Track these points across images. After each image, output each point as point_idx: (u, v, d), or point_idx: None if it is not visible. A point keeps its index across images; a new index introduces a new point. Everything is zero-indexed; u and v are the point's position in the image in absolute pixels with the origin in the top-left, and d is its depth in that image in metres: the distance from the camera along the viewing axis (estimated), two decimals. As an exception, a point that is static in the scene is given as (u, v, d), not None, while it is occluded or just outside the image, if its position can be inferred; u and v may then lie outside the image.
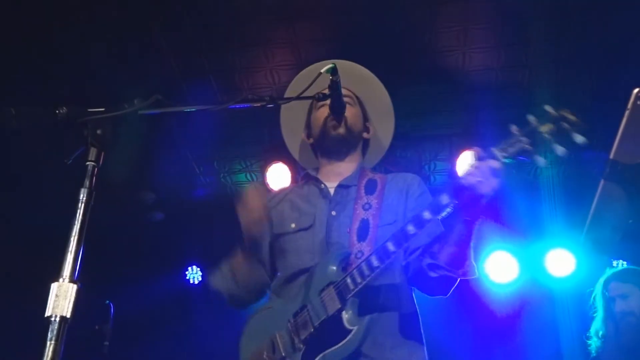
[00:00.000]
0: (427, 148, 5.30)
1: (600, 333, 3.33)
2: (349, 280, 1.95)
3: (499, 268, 5.47)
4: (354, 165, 2.42)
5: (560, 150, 1.72)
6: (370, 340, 1.98)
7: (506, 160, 1.81)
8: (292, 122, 2.65)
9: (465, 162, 5.03)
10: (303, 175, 2.50)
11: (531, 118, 1.78)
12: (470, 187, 1.81)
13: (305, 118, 2.56)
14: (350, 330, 1.90)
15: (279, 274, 2.26)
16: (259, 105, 1.99)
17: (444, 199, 1.88)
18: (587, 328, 3.46)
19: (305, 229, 2.21)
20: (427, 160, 5.39)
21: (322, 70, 2.06)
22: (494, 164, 1.81)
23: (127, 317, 4.69)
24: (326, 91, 2.13)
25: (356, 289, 1.92)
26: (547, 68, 4.52)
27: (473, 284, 5.49)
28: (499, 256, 5.50)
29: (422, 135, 5.12)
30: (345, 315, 1.93)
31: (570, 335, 5.03)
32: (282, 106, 2.65)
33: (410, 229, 1.90)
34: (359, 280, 1.93)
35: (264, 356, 2.05)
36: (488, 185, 1.80)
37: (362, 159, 2.51)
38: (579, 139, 1.70)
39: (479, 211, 1.88)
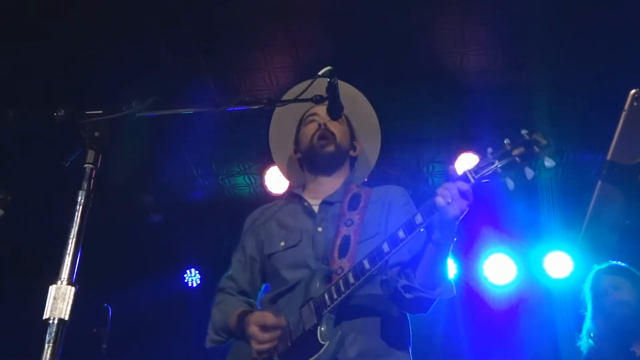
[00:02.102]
0: (425, 150, 5.31)
1: (593, 333, 3.30)
2: (326, 296, 1.97)
3: (497, 270, 5.48)
4: (340, 181, 2.43)
5: (529, 173, 1.75)
6: (353, 351, 1.97)
7: (476, 182, 1.83)
8: (281, 138, 2.66)
9: (463, 165, 5.04)
10: (287, 194, 2.51)
11: (506, 141, 1.79)
12: (440, 209, 1.82)
13: (294, 134, 2.57)
14: (322, 345, 1.92)
15: (270, 290, 2.28)
16: (256, 107, 2.00)
17: (418, 218, 1.90)
18: (580, 332, 3.44)
19: (294, 246, 2.23)
20: (425, 162, 5.39)
21: (319, 73, 2.06)
22: (463, 186, 1.82)
23: (125, 320, 4.70)
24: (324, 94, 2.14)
25: (332, 305, 1.95)
26: (544, 70, 4.53)
27: (472, 286, 5.50)
28: (498, 258, 5.51)
29: (420, 138, 5.13)
30: (319, 330, 1.95)
31: (567, 335, 5.04)
32: (272, 123, 2.67)
33: (385, 247, 1.92)
34: (335, 296, 1.95)
35: None
36: (457, 207, 1.80)
37: (350, 174, 2.51)
38: (549, 163, 1.73)
39: (451, 233, 1.88)
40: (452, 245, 1.91)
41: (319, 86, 2.08)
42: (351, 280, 1.94)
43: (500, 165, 1.78)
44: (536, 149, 1.74)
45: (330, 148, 2.37)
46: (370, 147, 2.63)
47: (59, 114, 1.50)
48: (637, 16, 3.92)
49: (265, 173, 5.17)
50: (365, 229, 2.15)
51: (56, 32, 3.95)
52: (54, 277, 1.39)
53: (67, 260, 1.41)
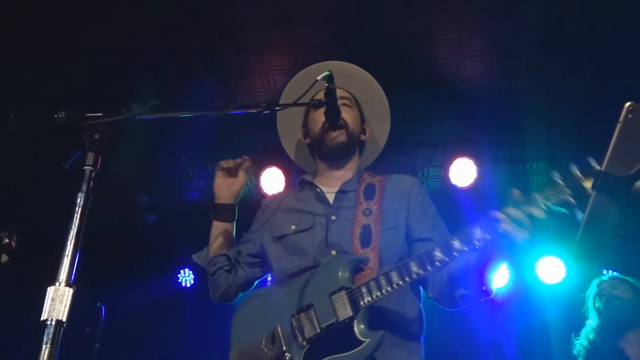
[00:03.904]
0: (421, 154, 5.33)
1: (591, 335, 3.38)
2: (364, 289, 1.92)
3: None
4: (352, 168, 2.42)
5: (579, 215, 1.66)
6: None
7: (548, 209, 1.76)
8: (288, 120, 2.63)
9: (459, 169, 5.06)
10: (299, 181, 2.49)
11: (575, 170, 1.71)
12: (506, 232, 1.77)
13: (302, 117, 2.55)
14: (362, 342, 1.88)
15: (282, 269, 2.25)
16: (255, 111, 2.01)
17: (477, 233, 1.83)
18: (577, 334, 3.51)
19: (306, 230, 2.22)
20: (420, 166, 5.41)
21: (318, 78, 2.07)
22: (537, 212, 1.75)
23: (119, 320, 4.69)
24: (322, 97, 2.15)
25: (372, 301, 1.90)
26: (540, 76, 4.56)
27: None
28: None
29: (416, 141, 5.16)
30: (356, 325, 1.90)
31: (560, 342, 5.06)
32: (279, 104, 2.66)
33: (438, 255, 1.87)
34: (376, 292, 1.90)
35: (262, 346, 2.03)
36: (525, 232, 1.76)
37: (360, 161, 2.51)
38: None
39: (509, 253, 1.85)
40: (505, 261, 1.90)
41: (319, 85, 2.10)
42: (395, 279, 1.89)
43: (571, 195, 1.70)
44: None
45: (343, 138, 2.34)
46: (379, 129, 2.61)
47: (60, 116, 1.51)
48: (633, 25, 3.96)
49: (261, 174, 5.17)
50: (384, 219, 2.12)
51: (53, 35, 3.95)
52: (52, 279, 1.39)
53: (66, 262, 1.42)
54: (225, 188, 2.52)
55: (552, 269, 5.39)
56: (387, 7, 3.97)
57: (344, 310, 1.92)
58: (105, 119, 1.57)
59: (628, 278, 3.42)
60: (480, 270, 1.91)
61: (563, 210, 1.71)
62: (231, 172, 2.53)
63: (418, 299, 2.19)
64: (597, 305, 3.41)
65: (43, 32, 3.91)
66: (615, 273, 3.58)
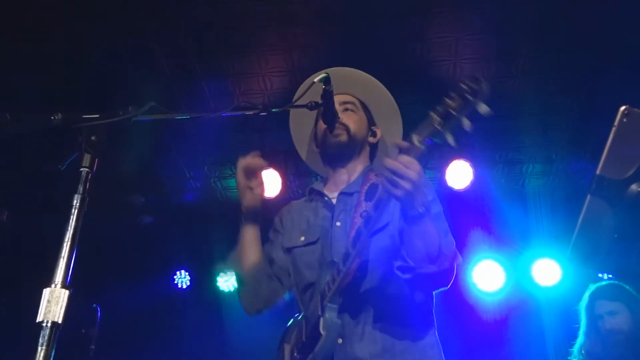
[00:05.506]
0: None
1: (584, 350, 3.36)
2: (325, 287, 1.97)
3: (486, 277, 5.51)
4: (358, 170, 2.40)
5: (466, 124, 1.65)
6: (378, 347, 1.97)
7: (422, 144, 1.74)
8: (301, 131, 2.65)
9: (455, 171, 5.08)
10: (308, 191, 2.49)
11: (445, 97, 1.71)
12: (389, 190, 1.77)
13: (313, 128, 2.56)
14: (321, 335, 1.90)
15: (294, 283, 2.27)
16: (251, 113, 2.01)
17: (382, 194, 1.85)
18: (573, 337, 3.49)
19: (313, 243, 2.21)
20: (417, 168, 5.41)
21: (315, 80, 2.08)
22: (404, 158, 1.75)
23: (114, 321, 4.67)
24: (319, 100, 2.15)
25: (329, 294, 1.93)
26: (535, 79, 4.58)
27: (461, 292, 5.52)
28: (487, 265, 5.54)
29: (412, 144, 5.15)
30: (321, 321, 1.94)
31: (556, 344, 5.08)
32: (291, 116, 2.66)
33: (362, 228, 1.91)
34: (330, 285, 1.94)
35: None
36: (407, 180, 1.74)
37: (370, 163, 2.49)
38: (483, 109, 1.63)
39: (416, 205, 1.83)
40: (428, 214, 1.85)
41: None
42: (341, 267, 1.92)
43: (438, 122, 1.70)
44: (469, 97, 1.65)
45: (343, 137, 2.33)
46: (391, 131, 2.59)
47: (56, 117, 1.51)
48: (629, 28, 3.98)
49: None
50: (377, 220, 2.06)
51: (50, 37, 3.95)
52: (48, 281, 1.39)
53: (62, 264, 1.41)
54: (249, 190, 2.38)
55: (547, 272, 5.40)
56: (383, 9, 3.98)
57: (316, 312, 1.97)
58: (101, 120, 1.57)
59: (621, 284, 3.38)
60: (412, 237, 1.90)
61: (435, 140, 1.71)
62: (249, 172, 2.40)
63: (410, 301, 2.13)
64: (591, 324, 3.36)
65: (41, 33, 3.91)
66: (609, 276, 3.55)
